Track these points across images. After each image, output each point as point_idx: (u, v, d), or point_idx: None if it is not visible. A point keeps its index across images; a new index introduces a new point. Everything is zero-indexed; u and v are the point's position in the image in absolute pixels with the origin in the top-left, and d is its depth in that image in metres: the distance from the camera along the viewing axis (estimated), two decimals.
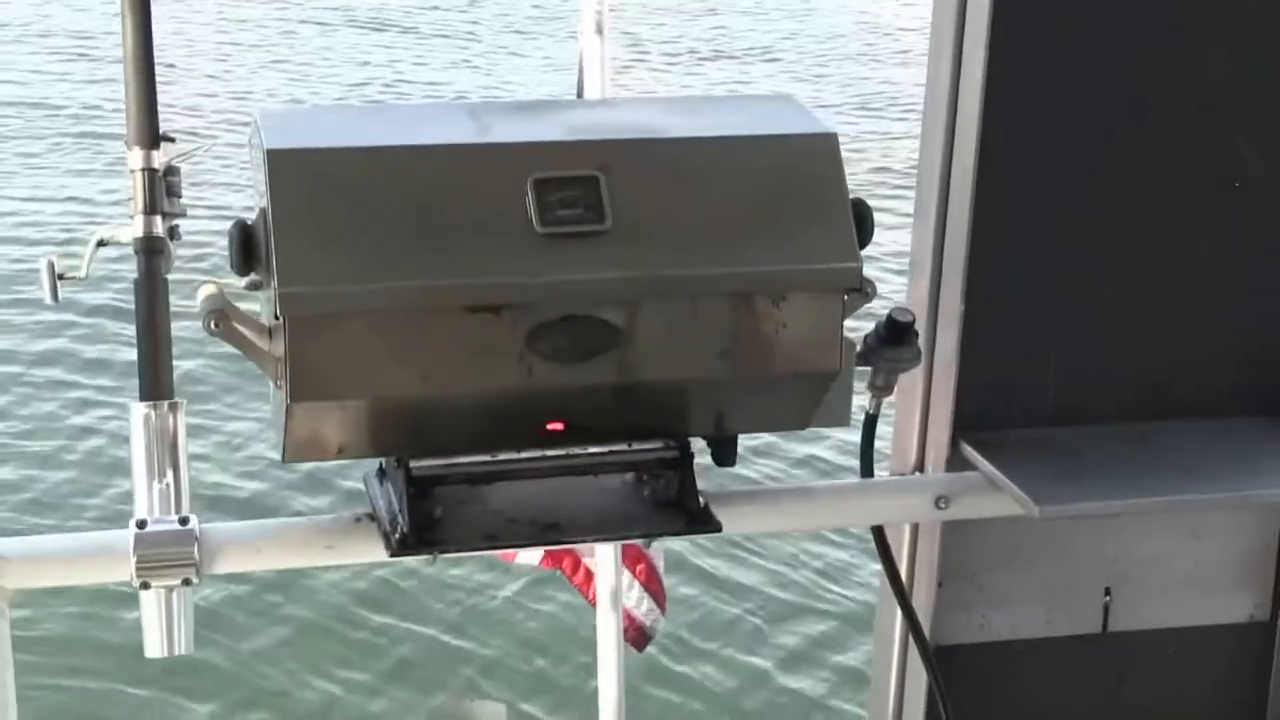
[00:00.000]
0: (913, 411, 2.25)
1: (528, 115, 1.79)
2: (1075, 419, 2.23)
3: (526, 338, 1.63)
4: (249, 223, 1.63)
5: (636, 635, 3.72)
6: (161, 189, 1.82)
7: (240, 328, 1.63)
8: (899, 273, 2.48)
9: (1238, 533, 2.40)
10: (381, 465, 1.83)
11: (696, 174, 1.70)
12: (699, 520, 1.85)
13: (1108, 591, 2.36)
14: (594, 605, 3.69)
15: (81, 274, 1.83)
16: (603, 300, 1.65)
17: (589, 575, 3.66)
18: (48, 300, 1.81)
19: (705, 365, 1.71)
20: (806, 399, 1.80)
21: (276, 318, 1.58)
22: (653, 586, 3.65)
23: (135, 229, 1.79)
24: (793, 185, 1.71)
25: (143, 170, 1.80)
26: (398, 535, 1.75)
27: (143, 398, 1.74)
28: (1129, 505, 2.11)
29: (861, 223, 1.72)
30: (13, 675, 1.75)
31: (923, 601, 2.28)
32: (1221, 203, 2.22)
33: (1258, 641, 2.45)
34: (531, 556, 3.61)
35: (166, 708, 6.05)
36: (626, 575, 3.64)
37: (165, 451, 1.73)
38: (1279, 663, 2.46)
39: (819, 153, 1.73)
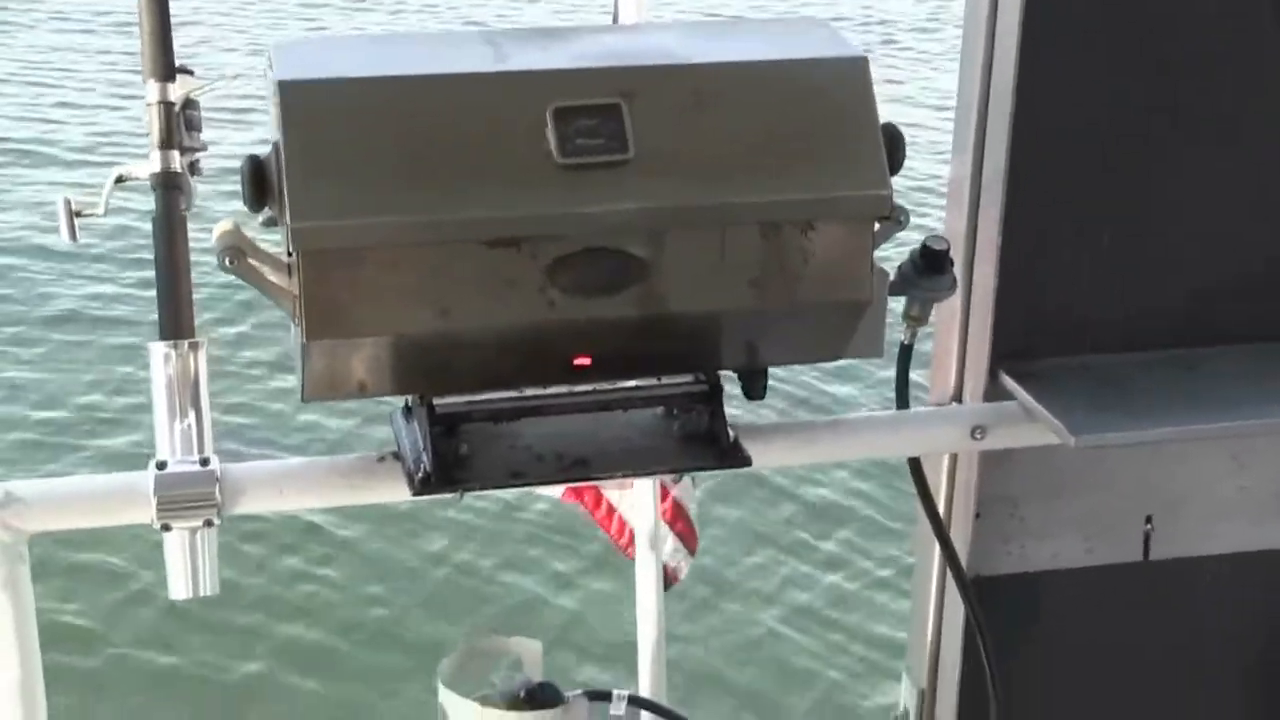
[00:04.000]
0: (950, 342, 2.21)
1: (548, 42, 1.74)
2: (1116, 346, 2.19)
3: (547, 271, 1.59)
4: (261, 157, 1.59)
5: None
6: (180, 123, 1.79)
7: (257, 264, 1.60)
8: None
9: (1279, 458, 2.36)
10: (407, 403, 1.81)
11: (721, 100, 1.65)
12: (729, 454, 1.82)
13: (1149, 520, 2.33)
14: (617, 541, 3.64)
15: (100, 212, 1.81)
16: (625, 231, 1.61)
17: (611, 510, 3.61)
18: (65, 241, 1.79)
19: (733, 297, 1.67)
20: (838, 329, 1.76)
21: (290, 254, 1.55)
22: (679, 526, 3.59)
23: (151, 164, 1.76)
24: (821, 111, 1.67)
25: (159, 103, 1.77)
26: (421, 474, 1.73)
27: (162, 336, 1.72)
28: (1167, 433, 2.07)
29: (892, 149, 1.67)
30: (35, 619, 1.75)
31: (960, 532, 2.25)
32: (1262, 121, 2.16)
33: None
34: (554, 489, 3.53)
35: None
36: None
37: (186, 391, 1.71)
38: None
39: (849, 77, 1.68)
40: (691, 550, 3.70)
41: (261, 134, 1.72)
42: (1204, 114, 2.14)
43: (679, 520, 3.62)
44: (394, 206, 1.54)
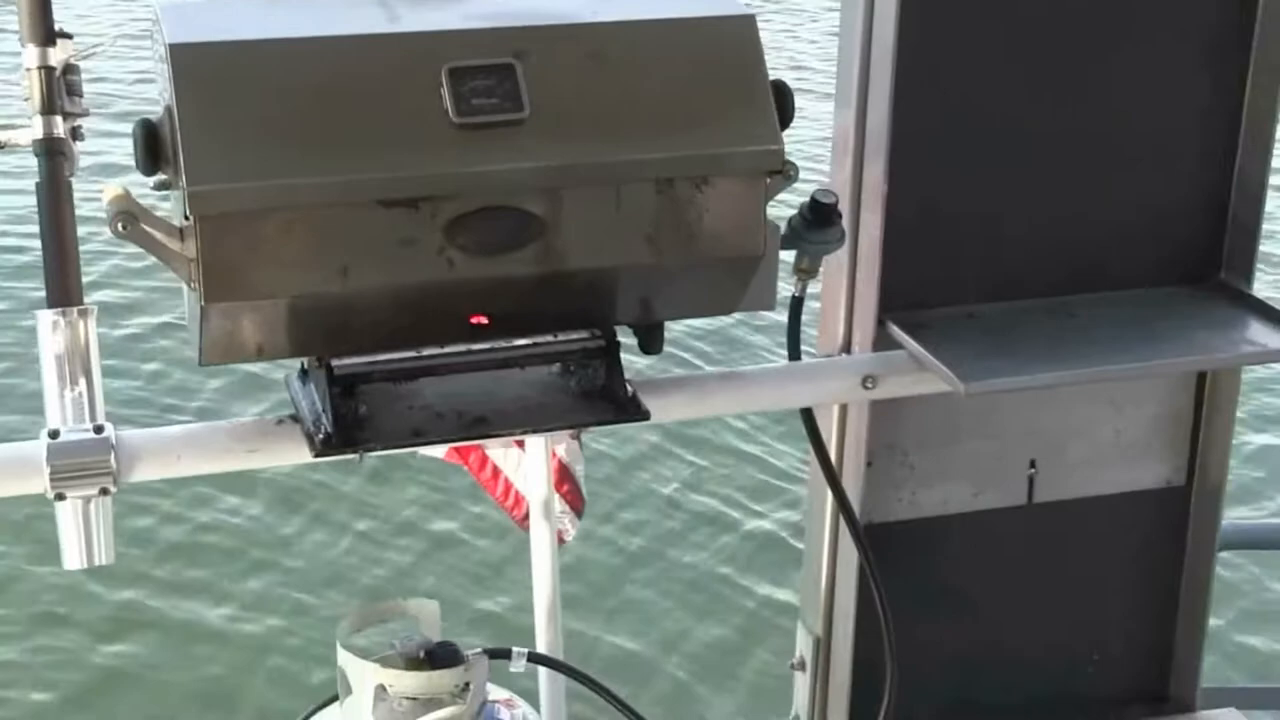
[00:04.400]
0: (839, 293, 2.24)
1: (441, 3, 1.73)
2: (1000, 295, 2.23)
3: (445, 230, 1.59)
4: (153, 120, 1.57)
5: None
6: (61, 88, 1.75)
7: (149, 229, 1.58)
8: None
9: (1155, 401, 2.43)
10: (304, 365, 1.80)
11: (614, 59, 1.66)
12: (627, 409, 1.84)
13: (1033, 464, 2.39)
14: (503, 504, 3.64)
15: None
16: (522, 190, 1.61)
17: (496, 472, 3.60)
18: None
19: (628, 252, 1.69)
20: (732, 284, 1.78)
21: (186, 218, 1.53)
22: (564, 488, 3.59)
23: (34, 130, 1.73)
24: (712, 68, 1.68)
25: (39, 68, 1.74)
26: (321, 435, 1.72)
27: (50, 304, 1.69)
28: (1052, 379, 2.12)
29: (782, 105, 1.69)
30: None
31: (853, 481, 2.29)
32: (1139, 71, 2.21)
33: (1174, 506, 2.51)
34: (437, 450, 3.50)
35: None
36: None
37: (76, 359, 1.69)
38: (1194, 525, 2.52)
39: (738, 35, 1.70)
40: (578, 512, 3.71)
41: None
42: (1083, 63, 2.18)
43: (565, 483, 3.61)
44: (290, 169, 1.53)
